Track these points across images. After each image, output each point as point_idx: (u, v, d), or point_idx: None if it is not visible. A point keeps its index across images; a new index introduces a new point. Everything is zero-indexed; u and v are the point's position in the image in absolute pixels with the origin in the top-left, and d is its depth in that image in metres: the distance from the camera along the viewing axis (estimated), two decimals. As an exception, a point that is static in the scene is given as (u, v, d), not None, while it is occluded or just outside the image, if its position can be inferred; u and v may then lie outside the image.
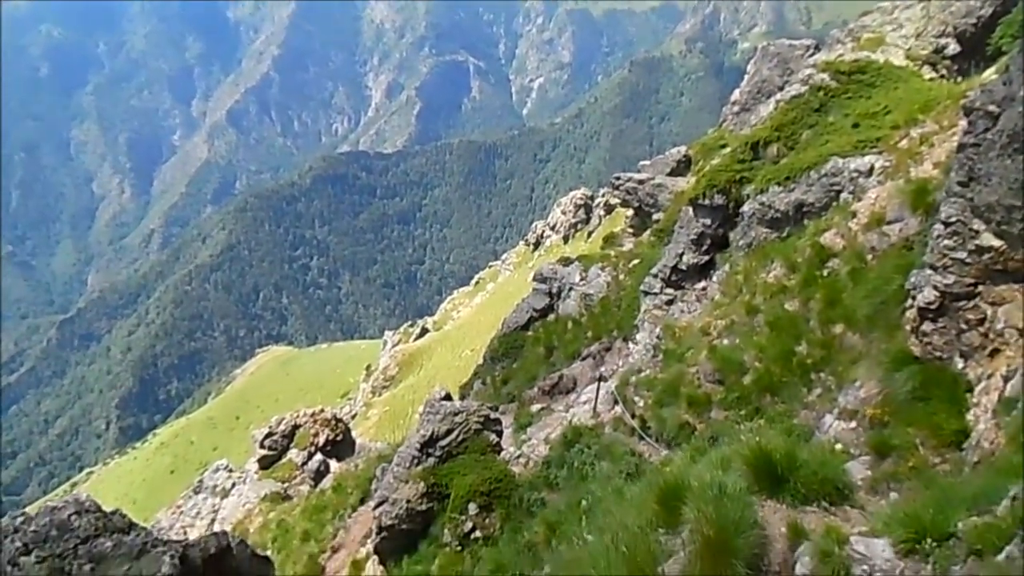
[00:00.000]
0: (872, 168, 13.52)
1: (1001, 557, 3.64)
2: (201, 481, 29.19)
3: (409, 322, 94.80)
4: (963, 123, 7.52)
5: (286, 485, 26.03)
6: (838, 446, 7.76)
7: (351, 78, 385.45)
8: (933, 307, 7.52)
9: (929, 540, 4.17)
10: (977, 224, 7.03)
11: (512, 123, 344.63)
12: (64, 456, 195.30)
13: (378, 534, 14.26)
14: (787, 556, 4.51)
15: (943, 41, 21.05)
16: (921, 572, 4.04)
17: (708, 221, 18.38)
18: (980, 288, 7.18)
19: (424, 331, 76.76)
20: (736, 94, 33.83)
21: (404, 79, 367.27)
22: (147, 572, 4.14)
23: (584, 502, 9.35)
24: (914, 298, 7.78)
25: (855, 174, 13.79)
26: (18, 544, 4.11)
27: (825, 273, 11.61)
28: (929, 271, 7.57)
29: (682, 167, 36.73)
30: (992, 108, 6.75)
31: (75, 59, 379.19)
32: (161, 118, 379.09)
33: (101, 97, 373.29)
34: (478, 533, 12.20)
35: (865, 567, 4.02)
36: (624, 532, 5.07)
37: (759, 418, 9.86)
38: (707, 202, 18.21)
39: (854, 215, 12.15)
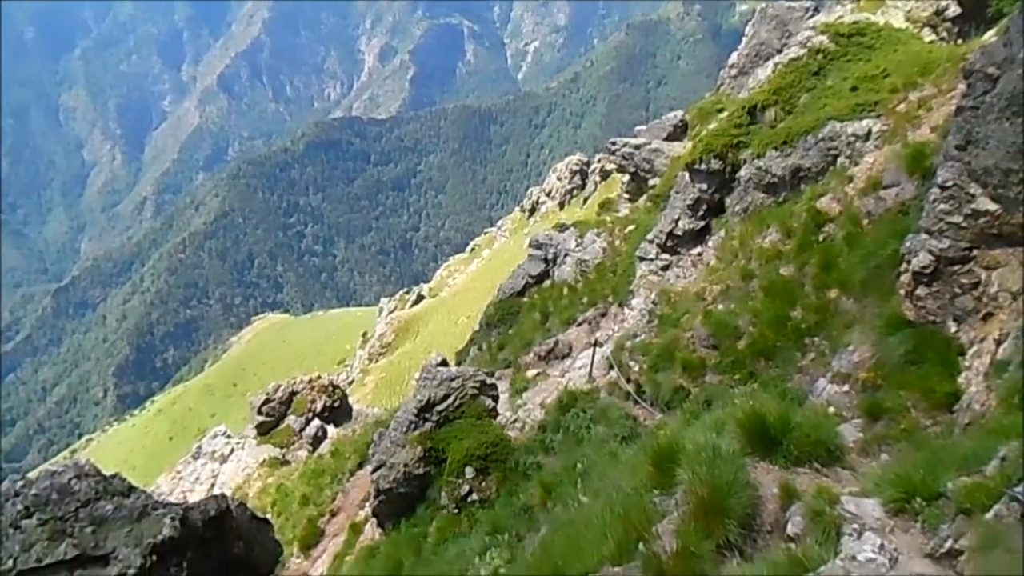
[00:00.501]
0: (869, 132, 13.45)
1: (989, 515, 3.70)
2: (200, 447, 29.37)
3: (405, 289, 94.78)
4: (962, 86, 7.47)
5: (284, 450, 26.26)
6: (831, 409, 7.85)
7: (343, 42, 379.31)
8: (928, 271, 7.54)
9: (919, 499, 4.23)
10: (974, 188, 7.01)
11: (507, 88, 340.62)
12: (63, 423, 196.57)
13: (376, 497, 14.44)
14: (779, 516, 4.58)
15: (943, 3, 20.78)
16: (910, 530, 4.11)
17: (704, 186, 18.31)
18: (975, 252, 7.20)
19: (420, 298, 76.78)
20: (734, 57, 33.47)
21: (397, 43, 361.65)
22: (148, 534, 4.20)
23: (579, 465, 9.47)
24: (909, 262, 7.80)
25: (852, 138, 13.72)
26: (19, 507, 4.16)
27: (821, 238, 11.63)
28: (924, 235, 7.58)
29: (679, 132, 36.50)
30: (992, 70, 6.69)
31: (61, 23, 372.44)
32: (151, 83, 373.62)
33: (89, 62, 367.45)
34: (475, 496, 12.36)
35: (855, 526, 4.08)
36: (619, 493, 5.15)
37: (753, 382, 9.96)
38: (703, 167, 18.12)
39: (851, 180, 12.13)
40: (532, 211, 74.11)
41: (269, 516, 17.49)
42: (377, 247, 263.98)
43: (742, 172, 16.63)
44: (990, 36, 14.18)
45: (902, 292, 8.01)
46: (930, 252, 7.48)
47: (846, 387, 8.27)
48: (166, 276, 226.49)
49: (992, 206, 6.88)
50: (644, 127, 42.76)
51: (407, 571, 11.12)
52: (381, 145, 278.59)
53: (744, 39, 32.84)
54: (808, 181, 14.37)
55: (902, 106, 13.10)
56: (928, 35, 19.71)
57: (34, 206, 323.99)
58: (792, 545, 4.22)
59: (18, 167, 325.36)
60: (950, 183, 7.20)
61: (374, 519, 15.21)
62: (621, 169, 39.87)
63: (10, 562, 3.95)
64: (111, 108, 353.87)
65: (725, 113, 23.96)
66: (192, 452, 29.64)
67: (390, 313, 76.61)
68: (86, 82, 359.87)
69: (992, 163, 6.71)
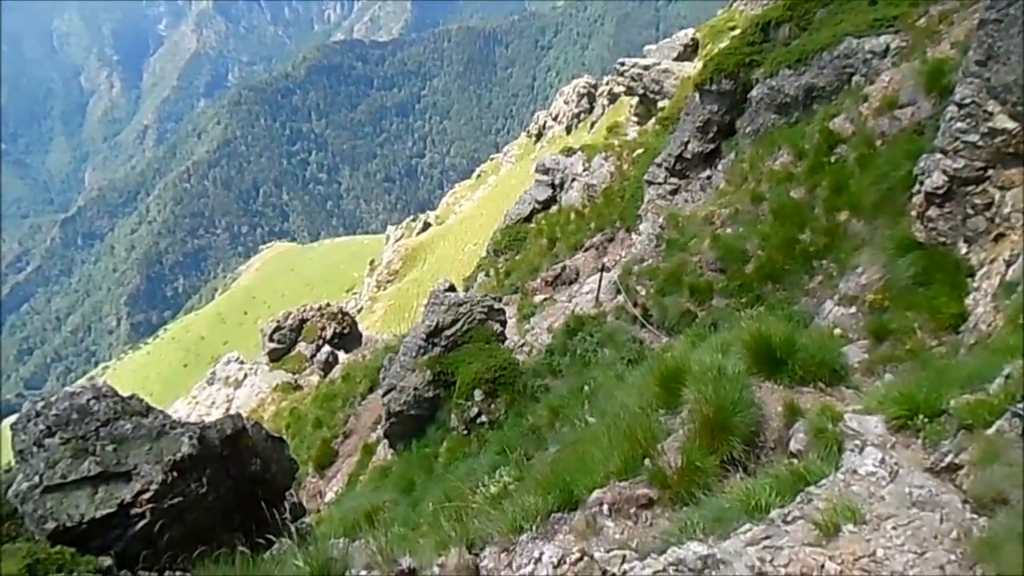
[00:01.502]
0: (887, 48, 13.00)
1: (991, 431, 3.75)
2: (214, 373, 30.02)
3: (411, 216, 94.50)
4: (986, -3, 7.16)
5: (296, 376, 26.82)
6: (837, 331, 7.87)
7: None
8: (940, 192, 7.43)
9: (921, 416, 4.27)
10: (992, 105, 6.82)
11: (512, 7, 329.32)
12: (79, 352, 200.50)
13: (387, 420, 14.81)
14: (782, 433, 4.66)
15: (971, -92, 19.72)
16: (911, 446, 4.18)
17: (715, 107, 17.87)
18: (990, 172, 7.06)
19: (427, 225, 76.61)
20: (748, -29, 32.14)
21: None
22: (168, 451, 4.33)
23: (586, 387, 9.63)
24: (922, 183, 7.68)
25: (869, 55, 13.27)
26: (42, 427, 4.30)
27: (833, 160, 11.43)
28: (939, 155, 7.43)
29: (689, 51, 35.50)
30: (1019, -21, 6.40)
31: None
32: (145, 6, 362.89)
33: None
34: (484, 418, 12.66)
35: (857, 441, 4.15)
36: (625, 413, 5.23)
37: (760, 305, 9.98)
38: (714, 87, 17.63)
39: (866, 99, 11.80)
40: (539, 136, 72.87)
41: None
42: (382, 174, 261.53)
43: (754, 92, 16.18)
44: (1018, -56, 13.50)
45: (913, 213, 7.91)
46: (944, 172, 7.34)
47: (853, 309, 8.28)
48: (172, 205, 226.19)
49: (1010, 124, 6.71)
50: (654, 47, 41.55)
51: (419, 489, 11.50)
52: (384, 69, 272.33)
53: (759, -49, 31.42)
54: (822, 101, 13.99)
55: (922, 20, 12.61)
56: (953, -56, 18.78)
57: (35, 136, 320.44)
58: (794, 460, 4.30)
59: (16, 96, 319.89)
60: (968, 100, 7.00)
61: (386, 440, 15.64)
62: (630, 91, 38.95)
63: (36, 478, 4.11)
64: (106, 33, 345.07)
65: (737, 31, 23.20)
66: (207, 378, 30.29)
67: (397, 241, 76.64)
68: (79, 6, 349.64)
69: (1013, 79, 6.51)
